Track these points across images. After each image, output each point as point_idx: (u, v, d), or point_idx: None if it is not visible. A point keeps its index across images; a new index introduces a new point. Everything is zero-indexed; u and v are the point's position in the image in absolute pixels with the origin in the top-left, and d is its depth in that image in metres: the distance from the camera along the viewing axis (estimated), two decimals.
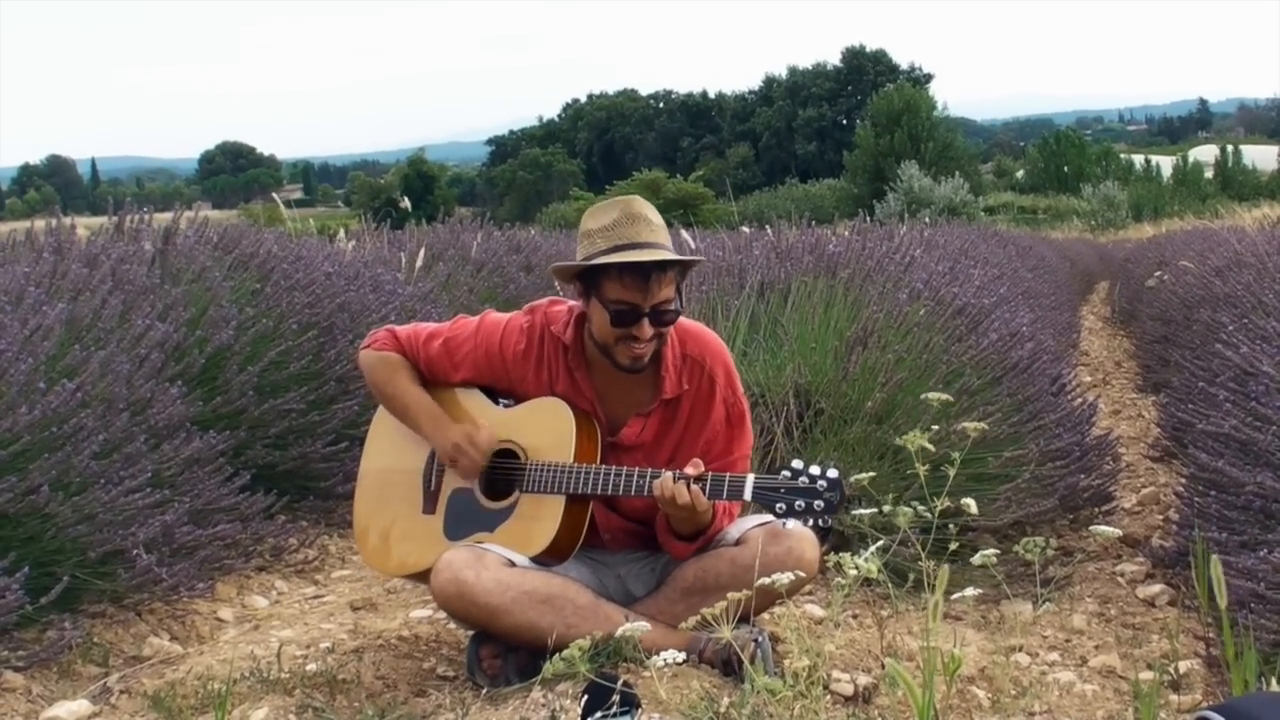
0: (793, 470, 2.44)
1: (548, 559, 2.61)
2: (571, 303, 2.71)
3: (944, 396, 2.42)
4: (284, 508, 4.12)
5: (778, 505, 2.42)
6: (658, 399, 2.66)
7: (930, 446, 2.09)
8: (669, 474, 2.49)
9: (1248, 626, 2.39)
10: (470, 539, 2.65)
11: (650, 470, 2.54)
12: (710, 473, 2.50)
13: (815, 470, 2.43)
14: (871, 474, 2.36)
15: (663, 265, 2.49)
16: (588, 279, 2.56)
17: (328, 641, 3.03)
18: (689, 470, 2.49)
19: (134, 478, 3.24)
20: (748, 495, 2.47)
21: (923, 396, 2.53)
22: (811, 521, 2.42)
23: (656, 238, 2.52)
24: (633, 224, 2.51)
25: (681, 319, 2.70)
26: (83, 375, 3.31)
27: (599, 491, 2.59)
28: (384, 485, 2.82)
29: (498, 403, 2.77)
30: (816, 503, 2.41)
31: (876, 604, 3.19)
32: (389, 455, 2.83)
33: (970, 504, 2.07)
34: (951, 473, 2.07)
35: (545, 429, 2.66)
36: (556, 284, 5.09)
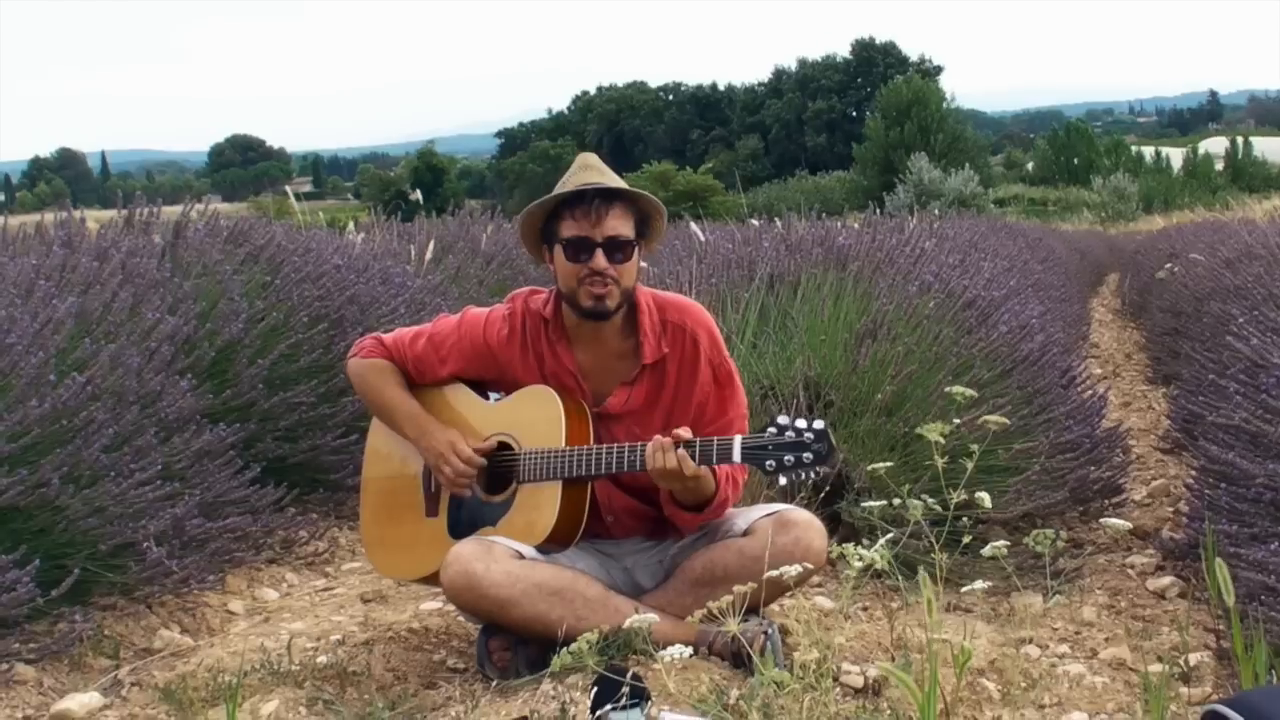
0: (779, 426, 2.43)
1: (551, 546, 2.62)
2: (551, 288, 2.75)
3: (967, 391, 2.41)
4: (294, 500, 4.12)
5: (768, 463, 2.41)
6: (640, 365, 2.67)
7: (941, 439, 2.09)
8: (657, 439, 2.49)
9: (1258, 619, 2.38)
10: (475, 536, 2.65)
11: (640, 444, 2.53)
12: (698, 438, 2.49)
13: (801, 423, 2.42)
14: (888, 464, 2.35)
15: (606, 196, 2.59)
16: (548, 237, 2.66)
17: (338, 634, 3.04)
18: (677, 434, 2.48)
19: (144, 470, 3.24)
20: (737, 457, 2.45)
21: (946, 390, 2.53)
22: (804, 475, 2.42)
23: (605, 179, 2.64)
24: (584, 171, 2.66)
25: (662, 292, 2.77)
26: (93, 368, 3.32)
27: (592, 471, 2.59)
28: (385, 493, 2.83)
29: (487, 398, 2.78)
30: (806, 455, 2.39)
31: (886, 596, 3.18)
32: (387, 462, 2.84)
33: (985, 498, 2.07)
34: (970, 465, 2.06)
35: (534, 417, 2.66)
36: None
